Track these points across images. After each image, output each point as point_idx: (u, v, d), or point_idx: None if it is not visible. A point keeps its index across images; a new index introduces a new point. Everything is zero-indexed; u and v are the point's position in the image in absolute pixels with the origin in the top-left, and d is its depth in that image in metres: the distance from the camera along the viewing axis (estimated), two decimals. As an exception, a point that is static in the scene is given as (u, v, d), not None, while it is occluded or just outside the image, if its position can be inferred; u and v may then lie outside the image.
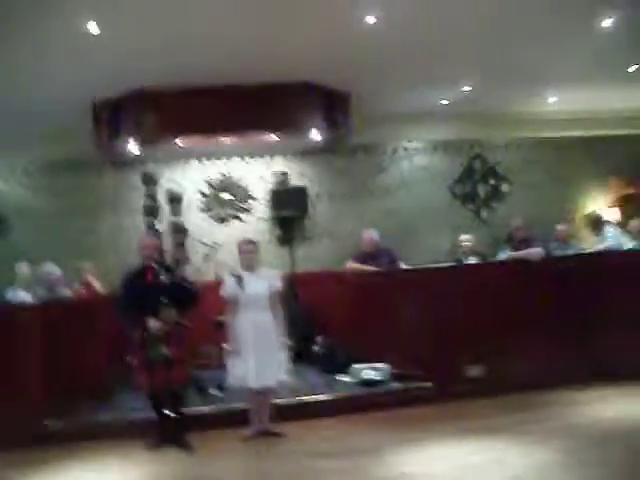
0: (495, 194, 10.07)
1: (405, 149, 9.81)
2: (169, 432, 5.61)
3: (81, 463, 5.31)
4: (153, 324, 5.41)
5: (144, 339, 5.46)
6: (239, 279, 5.56)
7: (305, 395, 6.36)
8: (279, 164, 9.40)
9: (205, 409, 6.18)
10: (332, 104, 8.10)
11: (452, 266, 7.75)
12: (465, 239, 8.45)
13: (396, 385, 6.51)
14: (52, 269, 7.16)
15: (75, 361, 6.26)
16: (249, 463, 5.08)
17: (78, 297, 7.27)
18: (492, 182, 10.07)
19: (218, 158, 9.24)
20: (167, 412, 5.68)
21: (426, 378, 6.44)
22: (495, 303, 6.52)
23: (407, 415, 5.96)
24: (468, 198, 9.97)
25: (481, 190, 10.03)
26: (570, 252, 7.98)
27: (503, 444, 4.95)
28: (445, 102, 8.90)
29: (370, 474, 4.57)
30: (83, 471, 5.13)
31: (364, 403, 6.17)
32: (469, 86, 8.29)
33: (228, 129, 7.79)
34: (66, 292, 7.24)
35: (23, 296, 6.99)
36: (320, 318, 8.39)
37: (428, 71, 7.61)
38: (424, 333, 6.47)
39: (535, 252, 6.86)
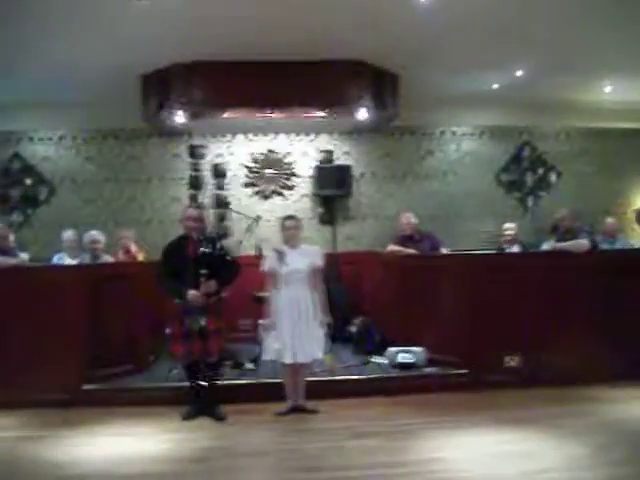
0: (542, 183, 9.87)
1: (453, 133, 9.67)
2: (203, 402, 5.70)
3: (116, 427, 5.43)
4: (192, 295, 5.47)
5: (183, 309, 5.53)
6: (281, 254, 5.58)
7: (340, 374, 6.37)
8: (325, 142, 9.35)
9: (240, 382, 6.24)
10: (381, 84, 8.01)
11: (494, 254, 7.66)
12: (509, 227, 8.33)
13: (431, 370, 6.47)
14: (96, 236, 7.25)
15: (115, 328, 6.38)
16: (280, 438, 5.12)
17: (120, 264, 7.35)
18: (540, 171, 9.87)
19: (264, 134, 9.23)
20: (202, 382, 5.76)
21: (462, 365, 6.39)
22: (537, 294, 6.42)
23: (441, 400, 5.93)
24: (514, 186, 9.80)
25: (528, 178, 9.84)
26: (617, 246, 7.81)
27: (535, 436, 4.91)
28: (496, 87, 8.72)
29: (400, 456, 4.58)
30: (117, 435, 5.24)
31: (398, 386, 6.16)
32: (522, 71, 8.11)
33: (276, 104, 7.76)
34: (109, 259, 7.33)
35: (68, 262, 7.10)
36: (359, 298, 8.39)
37: (480, 54, 7.44)
38: (463, 320, 6.41)
39: (580, 244, 6.70)
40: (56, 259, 7.23)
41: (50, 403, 5.90)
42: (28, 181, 9.14)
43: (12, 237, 7.27)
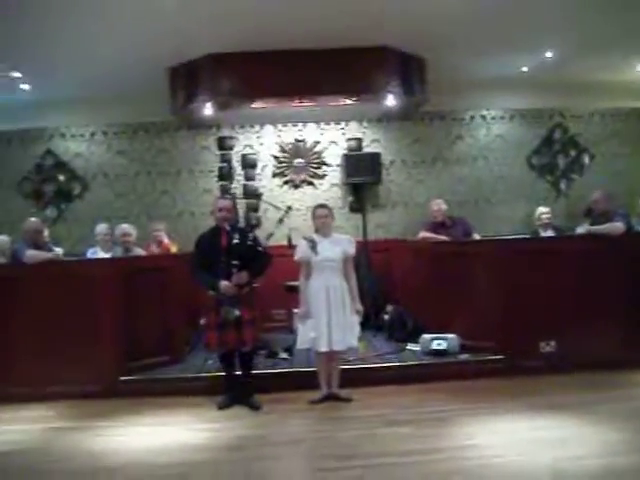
0: (575, 166, 9.72)
1: (482, 117, 9.56)
2: (238, 392, 5.75)
3: (153, 418, 5.52)
4: (225, 286, 5.51)
5: (216, 300, 5.58)
6: (313, 243, 5.58)
7: (373, 362, 6.38)
8: (353, 130, 9.32)
9: (274, 371, 6.29)
10: (409, 70, 7.94)
11: (528, 238, 7.59)
12: (542, 211, 8.25)
13: (465, 356, 6.44)
14: (127, 229, 7.34)
15: (150, 320, 6.46)
16: (315, 426, 5.14)
17: (153, 257, 7.43)
18: (572, 153, 9.72)
19: (293, 123, 9.23)
20: (236, 372, 5.82)
21: (496, 351, 6.35)
22: (572, 279, 6.35)
23: (475, 387, 5.91)
24: (546, 169, 9.67)
25: (560, 161, 9.69)
26: (653, 229, 7.69)
27: (570, 422, 4.85)
28: (525, 69, 8.60)
29: (434, 443, 4.57)
30: (155, 425, 5.32)
31: (432, 373, 6.14)
32: (551, 53, 7.98)
33: (303, 93, 7.74)
34: (141, 252, 7.41)
35: (102, 256, 7.20)
36: (391, 286, 8.38)
37: (509, 36, 7.33)
38: (496, 306, 6.36)
39: (615, 227, 6.58)
40: (90, 253, 7.34)
41: (87, 395, 6.01)
42: (61, 177, 9.27)
43: (46, 232, 7.40)
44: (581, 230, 7.20)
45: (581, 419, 4.90)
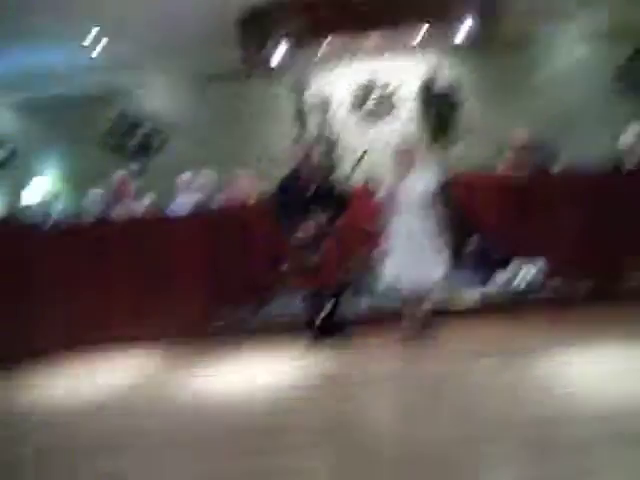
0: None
1: (562, 41, 9.16)
2: (325, 332, 5.86)
3: (243, 358, 5.73)
4: (306, 229, 5.58)
5: (298, 243, 5.66)
6: (395, 181, 5.55)
7: (459, 296, 6.35)
8: (429, 62, 9.09)
9: (358, 311, 6.35)
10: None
11: (613, 167, 7.33)
12: (627, 137, 7.92)
13: (553, 285, 6.34)
14: (208, 176, 7.45)
15: (235, 265, 6.61)
16: (401, 364, 5.19)
17: (235, 203, 7.55)
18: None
19: (367, 59, 9.06)
20: (323, 312, 5.91)
21: (586, 278, 6.23)
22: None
23: (564, 316, 5.78)
24: (632, 89, 9.20)
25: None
26: None
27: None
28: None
29: (525, 373, 4.53)
30: (245, 365, 5.52)
31: (520, 303, 6.09)
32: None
33: (377, 25, 7.56)
34: (223, 199, 7.53)
35: (186, 204, 7.36)
36: (474, 218, 8.25)
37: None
38: (584, 234, 6.20)
39: None
40: (174, 203, 7.51)
41: (181, 339, 6.28)
42: (142, 130, 9.47)
43: (132, 185, 7.61)
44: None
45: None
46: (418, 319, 5.72)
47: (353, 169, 6.55)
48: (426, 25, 7.70)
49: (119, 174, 7.14)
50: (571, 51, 9.16)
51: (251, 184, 8.06)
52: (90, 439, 4.14)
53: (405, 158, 5.66)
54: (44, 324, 6.28)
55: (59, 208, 8.85)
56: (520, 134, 7.47)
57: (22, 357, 6.04)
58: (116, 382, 5.37)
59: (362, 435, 3.84)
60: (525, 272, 6.39)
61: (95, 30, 7.83)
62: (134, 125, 9.46)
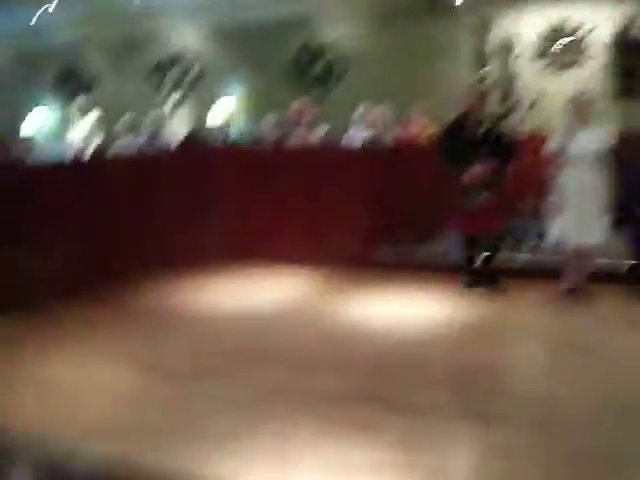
0: None
1: None
2: (482, 275, 5.90)
3: (399, 289, 5.95)
4: (473, 172, 5.58)
5: (464, 186, 5.68)
6: (568, 134, 5.39)
7: (625, 258, 6.09)
8: (624, 9, 8.50)
9: (520, 259, 6.33)
10: None
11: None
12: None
13: None
14: (380, 111, 7.54)
15: (403, 199, 6.77)
16: (557, 318, 5.15)
17: (408, 140, 7.61)
18: None
19: (556, 2, 8.64)
20: (482, 257, 5.94)
21: None
22: None
23: None
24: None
25: None
26: None
27: None
28: None
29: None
30: (400, 296, 5.76)
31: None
32: None
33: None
34: (395, 133, 7.60)
35: (359, 138, 7.50)
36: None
37: None
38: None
39: None
40: (348, 135, 7.69)
41: (344, 264, 6.49)
42: (325, 60, 9.67)
43: (312, 113, 7.86)
44: None
45: None
46: (579, 276, 5.60)
47: (529, 114, 6.40)
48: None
49: (298, 102, 7.38)
50: None
51: (424, 123, 8.07)
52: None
53: (581, 110, 5.45)
54: (216, 236, 6.78)
55: (240, 130, 9.36)
56: None
57: (196, 265, 6.56)
58: (274, 299, 5.76)
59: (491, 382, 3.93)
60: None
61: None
62: (316, 55, 9.66)
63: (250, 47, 9.93)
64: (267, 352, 4.46)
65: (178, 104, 10.61)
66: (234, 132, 9.30)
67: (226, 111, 9.69)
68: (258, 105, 9.86)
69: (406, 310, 5.37)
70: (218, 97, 10.12)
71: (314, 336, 4.79)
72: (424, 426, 3.27)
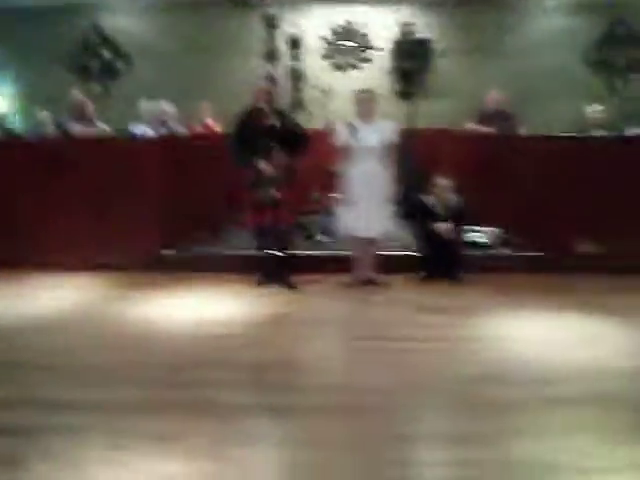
0: (635, 64, 9.28)
1: (539, 7, 9.12)
2: (274, 270, 5.84)
3: (191, 290, 5.69)
4: (262, 166, 5.52)
5: (254, 180, 5.60)
6: (353, 128, 5.50)
7: (410, 249, 6.36)
8: (405, 14, 8.99)
9: (310, 253, 6.37)
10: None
11: (575, 137, 7.36)
12: (593, 110, 7.96)
13: (504, 251, 6.42)
14: (166, 107, 7.30)
15: (190, 196, 6.55)
16: (347, 307, 5.27)
17: (196, 136, 7.44)
18: (634, 50, 9.25)
19: (343, 4, 8.94)
20: (273, 251, 5.89)
21: (536, 248, 6.29)
22: (619, 180, 6.15)
23: (511, 282, 5.84)
24: (603, 66, 9.25)
25: (620, 59, 9.26)
26: None
27: (601, 323, 4.79)
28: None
29: (464, 331, 4.62)
30: (192, 298, 5.50)
31: (469, 264, 6.11)
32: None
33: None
34: (181, 130, 7.40)
35: (145, 131, 7.21)
36: (434, 175, 8.27)
37: None
38: (540, 202, 6.22)
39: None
40: (134, 129, 7.35)
41: (130, 266, 6.17)
42: (107, 53, 9.22)
43: (92, 107, 7.41)
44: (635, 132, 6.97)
45: (613, 320, 4.83)
46: (367, 266, 5.77)
47: (317, 110, 6.50)
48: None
49: (79, 94, 6.92)
50: (547, 20, 9.10)
51: (215, 118, 7.94)
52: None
53: (366, 106, 5.60)
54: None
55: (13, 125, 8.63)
56: (493, 95, 7.45)
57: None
58: (57, 305, 5.30)
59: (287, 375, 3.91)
60: (480, 235, 6.43)
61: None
62: (99, 46, 9.17)
63: (20, 35, 9.17)
64: (53, 365, 4.03)
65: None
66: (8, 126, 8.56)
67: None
68: (32, 99, 9.14)
69: (199, 311, 5.14)
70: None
71: (101, 344, 4.42)
72: (226, 429, 3.15)
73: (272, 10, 8.92)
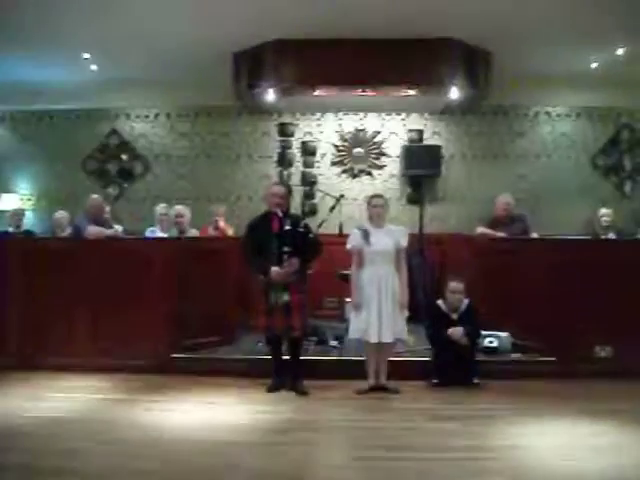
0: (642, 168, 9.44)
1: (547, 114, 9.36)
2: (286, 376, 5.79)
3: (202, 396, 5.61)
4: (275, 271, 5.54)
5: (266, 285, 5.62)
6: (365, 233, 5.56)
7: (422, 355, 6.31)
8: (415, 121, 9.26)
9: (323, 358, 6.31)
10: (473, 62, 7.81)
11: (587, 240, 7.40)
12: (604, 213, 8.04)
13: (517, 356, 6.34)
14: (181, 210, 7.42)
15: (202, 298, 6.53)
16: (361, 416, 5.14)
17: (209, 239, 7.52)
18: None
19: (354, 112, 9.21)
20: (285, 357, 5.85)
21: (549, 353, 6.22)
22: (632, 283, 6.16)
23: (524, 388, 5.77)
24: (611, 170, 9.41)
25: (627, 162, 9.42)
26: None
27: (622, 430, 4.69)
28: (595, 66, 8.35)
29: (479, 441, 4.51)
30: (203, 403, 5.42)
31: (482, 370, 6.03)
32: (622, 50, 7.72)
33: (366, 82, 7.74)
34: (195, 233, 7.49)
35: (160, 235, 7.30)
36: (445, 280, 8.27)
37: (579, 30, 7.11)
38: (552, 307, 6.20)
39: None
40: (148, 232, 7.47)
41: (139, 369, 6.16)
42: (124, 156, 9.49)
43: (108, 209, 7.58)
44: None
45: (634, 427, 4.74)
46: (380, 373, 5.72)
47: (329, 215, 6.57)
48: (413, 89, 7.83)
49: (95, 197, 7.08)
50: (555, 126, 9.31)
51: (228, 221, 8.05)
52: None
53: (379, 211, 5.68)
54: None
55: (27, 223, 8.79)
56: (503, 199, 7.54)
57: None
58: (63, 407, 5.23)
59: None
60: (491, 340, 6.36)
61: (88, 53, 7.86)
62: (117, 151, 9.45)
63: (47, 139, 9.49)
64: (56, 468, 3.96)
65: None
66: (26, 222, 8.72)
67: (14, 205, 9.03)
68: (50, 199, 9.36)
69: (207, 416, 5.06)
70: (5, 190, 9.43)
71: (107, 449, 4.32)
72: None
73: (286, 117, 9.22)
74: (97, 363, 6.21)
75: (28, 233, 8.15)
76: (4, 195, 9.25)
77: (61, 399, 5.47)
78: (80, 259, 6.41)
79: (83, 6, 6.43)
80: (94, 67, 8.33)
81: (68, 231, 7.52)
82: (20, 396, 5.55)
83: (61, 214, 7.98)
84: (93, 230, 6.58)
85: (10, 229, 8.18)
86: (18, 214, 8.36)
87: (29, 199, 9.48)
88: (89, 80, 8.75)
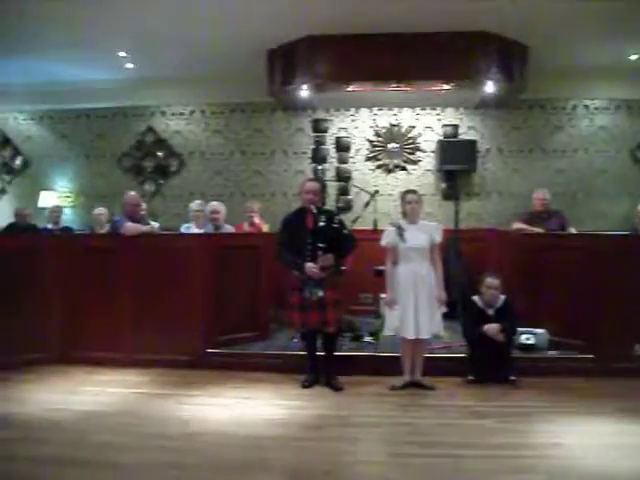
0: (683, 162, 9.24)
1: (585, 107, 9.20)
2: (320, 372, 5.80)
3: (237, 391, 5.65)
4: (309, 268, 5.55)
5: (301, 280, 5.62)
6: (400, 229, 5.54)
7: (458, 352, 6.26)
8: (450, 116, 9.19)
9: (358, 354, 6.30)
10: (509, 56, 7.72)
11: (626, 235, 7.26)
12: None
13: (554, 353, 6.25)
14: (217, 207, 7.44)
15: (236, 294, 6.59)
16: (396, 412, 5.12)
17: (244, 235, 7.56)
18: (680, 148, 9.25)
19: (388, 107, 9.18)
20: (319, 353, 5.86)
21: (586, 350, 6.13)
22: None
23: (562, 385, 5.70)
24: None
25: (667, 155, 9.24)
26: None
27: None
28: (634, 57, 8.19)
29: (516, 438, 4.47)
30: (236, 397, 5.46)
31: (519, 367, 5.96)
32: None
33: (400, 77, 7.69)
34: (230, 229, 7.52)
35: (195, 231, 7.35)
36: (481, 277, 8.21)
37: (616, 21, 6.96)
38: (591, 303, 6.10)
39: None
40: (184, 228, 7.53)
41: (176, 364, 6.25)
42: (160, 153, 9.59)
43: (144, 206, 7.66)
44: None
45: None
46: (415, 369, 5.70)
47: (363, 211, 6.56)
48: (448, 83, 7.77)
49: (132, 194, 7.17)
50: (593, 119, 9.16)
51: (263, 218, 8.07)
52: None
53: (414, 207, 5.65)
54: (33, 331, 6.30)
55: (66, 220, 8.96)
56: (540, 194, 7.45)
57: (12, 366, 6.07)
58: (103, 401, 5.33)
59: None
60: (527, 337, 6.29)
61: (125, 51, 7.95)
62: (153, 148, 9.55)
63: (81, 135, 9.65)
64: (88, 461, 4.05)
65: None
66: (65, 219, 8.91)
67: (54, 201, 9.20)
68: (89, 195, 9.52)
69: (241, 411, 5.10)
70: (46, 187, 9.60)
71: (141, 443, 4.39)
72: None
73: (320, 113, 9.22)
74: (134, 358, 6.31)
75: (67, 229, 8.33)
76: (43, 192, 9.44)
77: (98, 393, 5.57)
78: (118, 255, 6.49)
79: (119, 5, 6.49)
80: (130, 65, 8.45)
81: (107, 228, 7.62)
82: (58, 390, 5.67)
83: (100, 211, 8.10)
84: (130, 227, 6.65)
85: (49, 226, 8.37)
86: (56, 211, 8.58)
87: (67, 196, 9.64)
88: (125, 78, 8.88)
